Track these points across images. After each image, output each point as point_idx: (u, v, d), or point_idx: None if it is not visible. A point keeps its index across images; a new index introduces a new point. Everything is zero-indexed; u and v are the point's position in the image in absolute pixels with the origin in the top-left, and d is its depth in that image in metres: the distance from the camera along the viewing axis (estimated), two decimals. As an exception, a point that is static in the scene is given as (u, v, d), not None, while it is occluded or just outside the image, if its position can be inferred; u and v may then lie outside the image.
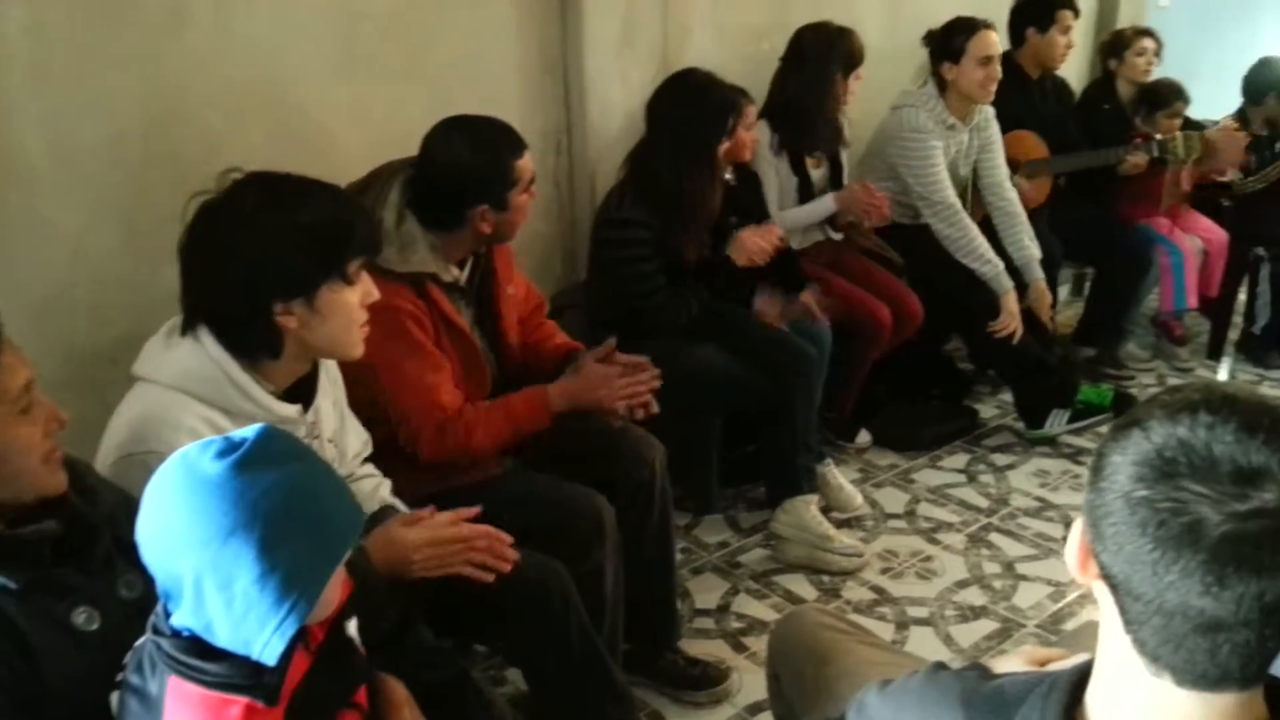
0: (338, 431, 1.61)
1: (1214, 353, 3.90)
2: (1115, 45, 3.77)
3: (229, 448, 0.98)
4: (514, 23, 2.60)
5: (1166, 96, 3.62)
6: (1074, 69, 4.04)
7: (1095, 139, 3.58)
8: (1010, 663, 1.15)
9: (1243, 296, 3.87)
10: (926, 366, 3.46)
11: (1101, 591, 0.80)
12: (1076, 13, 3.48)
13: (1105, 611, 0.80)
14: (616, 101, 2.75)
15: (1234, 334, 3.93)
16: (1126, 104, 3.73)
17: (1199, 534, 0.70)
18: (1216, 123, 3.86)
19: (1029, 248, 3.21)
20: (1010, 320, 3.06)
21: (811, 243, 3.09)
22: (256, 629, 0.96)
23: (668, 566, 2.12)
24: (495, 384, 1.98)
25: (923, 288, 3.11)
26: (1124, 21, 4.09)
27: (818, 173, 3.04)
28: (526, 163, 1.86)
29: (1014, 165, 3.38)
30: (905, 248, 3.21)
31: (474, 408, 1.85)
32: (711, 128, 2.43)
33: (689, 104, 2.45)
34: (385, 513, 1.64)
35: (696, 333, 2.51)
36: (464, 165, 1.80)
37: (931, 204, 3.06)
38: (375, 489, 1.67)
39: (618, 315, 2.50)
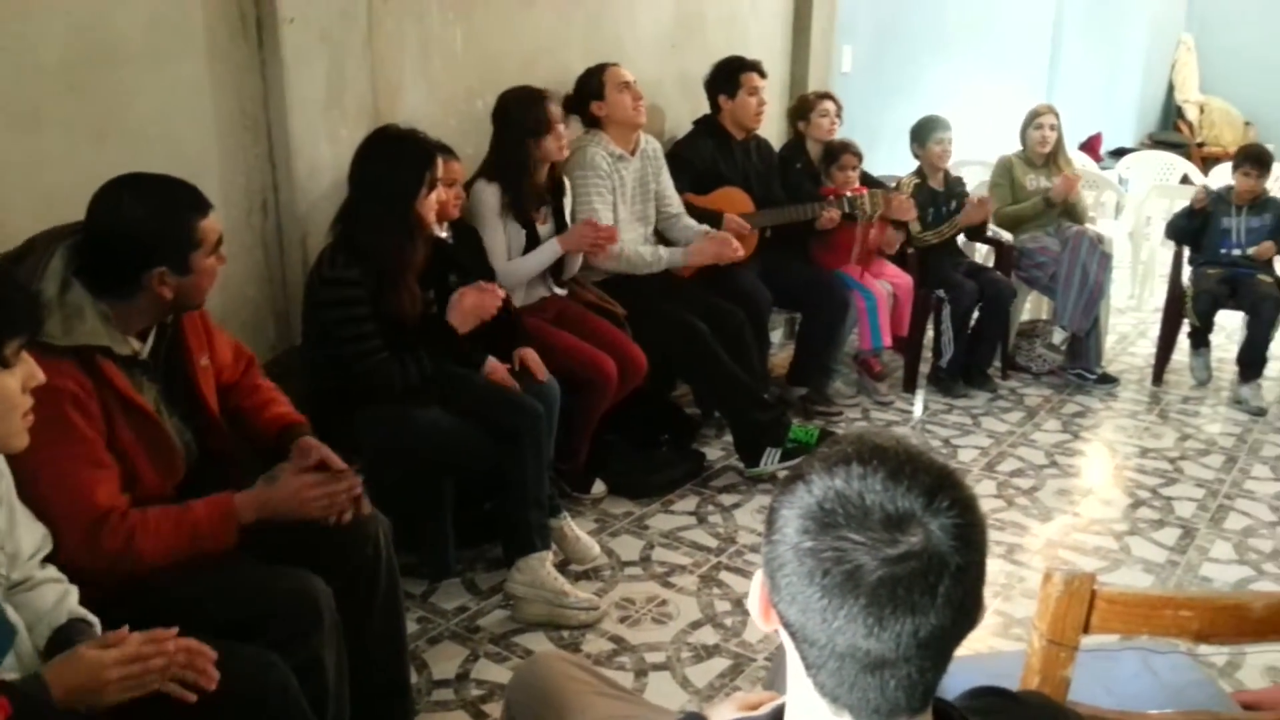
0: (4, 532, 1.43)
1: (909, 386, 4.28)
2: (802, 108, 4.11)
3: None
4: (210, 79, 2.47)
5: (836, 151, 4.00)
6: (778, 131, 4.36)
7: (792, 196, 3.88)
8: (723, 710, 1.19)
9: (931, 334, 4.28)
10: (655, 413, 3.56)
11: (785, 637, 0.83)
12: (762, 74, 3.75)
13: (790, 656, 0.84)
14: (325, 159, 2.66)
15: (925, 368, 4.34)
16: (815, 162, 4.07)
17: (858, 580, 0.76)
18: (898, 178, 4.29)
19: (693, 225, 3.54)
20: (716, 251, 3.35)
21: (535, 299, 3.12)
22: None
23: (398, 644, 2.03)
24: (196, 466, 1.83)
25: (644, 336, 3.21)
26: (813, 86, 4.45)
27: (545, 228, 3.09)
28: (212, 223, 1.74)
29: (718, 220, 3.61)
30: (626, 298, 3.32)
31: (143, 512, 1.64)
32: (407, 182, 2.39)
33: (385, 160, 2.41)
34: (74, 627, 1.47)
35: (421, 395, 2.45)
36: (139, 225, 1.65)
37: None
38: (61, 598, 1.49)
39: (337, 381, 2.41)
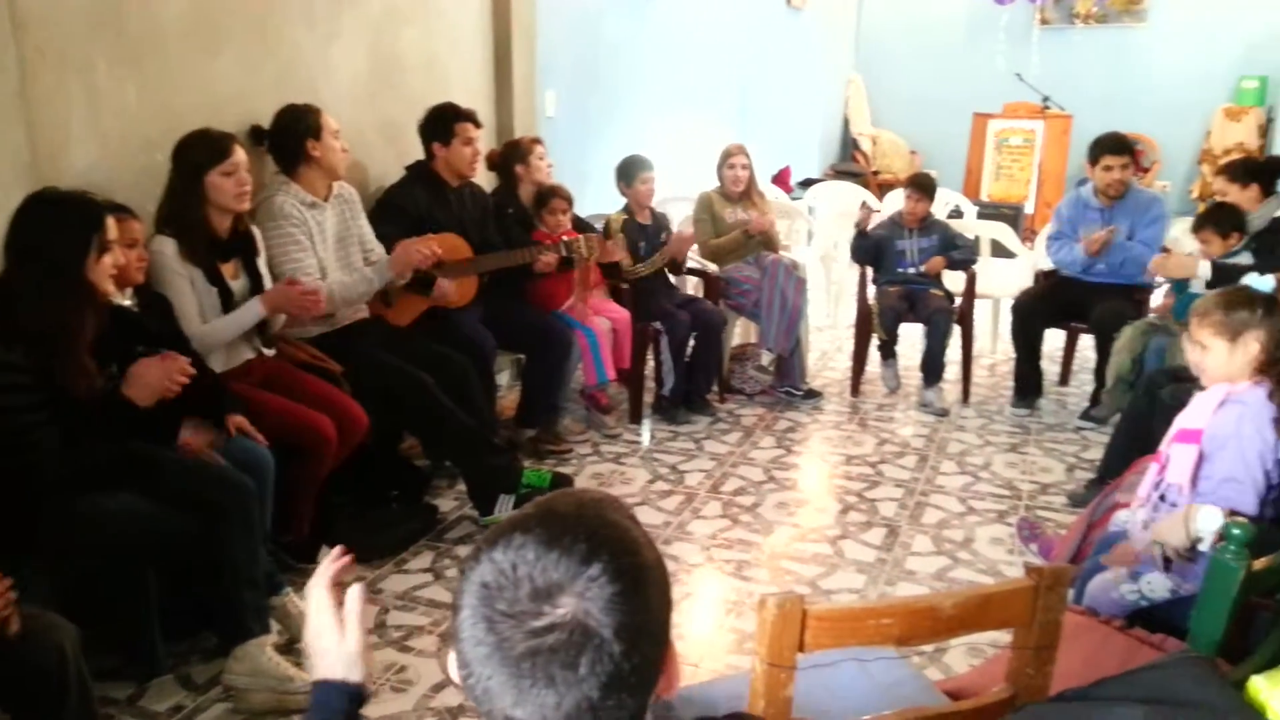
0: None
1: (635, 417, 4.39)
2: (519, 152, 4.14)
3: None
4: None
5: (545, 196, 4.08)
6: (485, 176, 4.36)
7: (507, 240, 3.89)
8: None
9: (651, 365, 4.42)
10: (382, 469, 3.43)
11: None
12: (477, 124, 3.75)
13: None
14: (-25, 229, 2.37)
15: (649, 398, 4.47)
16: (527, 207, 4.12)
17: (505, 653, 0.77)
18: (607, 217, 4.42)
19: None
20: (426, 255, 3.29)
21: (239, 361, 2.92)
22: None
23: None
24: None
25: (365, 391, 3.09)
26: (520, 130, 4.50)
27: (237, 283, 2.90)
28: None
29: (440, 266, 3.55)
30: (341, 353, 3.19)
31: None
32: (73, 247, 2.18)
33: (45, 225, 2.18)
34: None
35: (107, 480, 2.22)
36: None
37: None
38: None
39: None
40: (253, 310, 2.86)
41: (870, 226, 4.69)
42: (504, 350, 3.98)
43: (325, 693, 1.11)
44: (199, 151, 2.76)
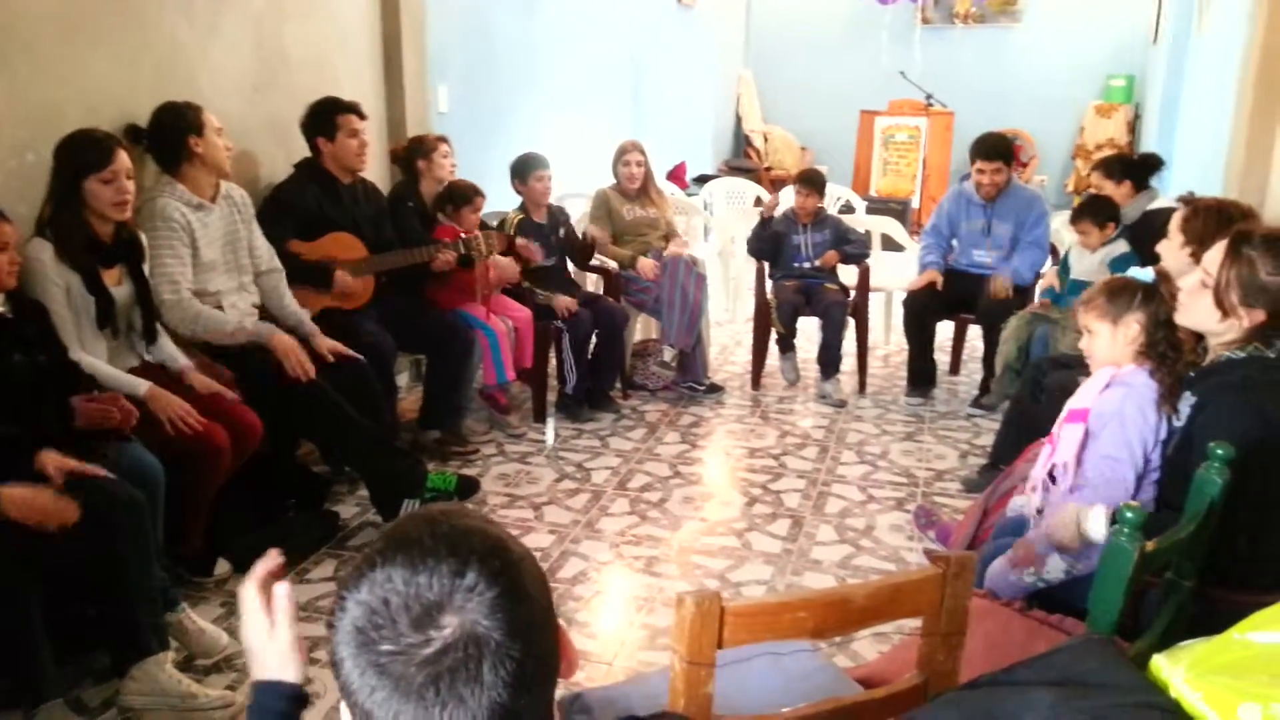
0: None
1: (539, 416, 4.37)
2: (422, 148, 4.08)
3: None
4: None
5: (466, 193, 4.03)
6: (381, 173, 4.27)
7: (404, 237, 3.82)
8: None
9: (554, 363, 4.40)
10: (279, 477, 3.33)
11: None
12: (361, 116, 3.67)
13: None
14: None
15: (553, 397, 4.45)
16: (429, 202, 4.05)
17: (405, 691, 0.75)
18: (504, 215, 4.38)
19: (293, 306, 3.40)
20: (296, 367, 3.10)
21: (127, 369, 2.79)
22: None
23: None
24: None
25: (258, 397, 3.00)
26: (412, 126, 4.42)
27: (120, 289, 2.78)
28: None
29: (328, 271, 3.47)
30: (233, 358, 3.09)
31: None
32: None
33: None
34: None
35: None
36: None
37: (159, 299, 2.97)
38: None
39: None
40: (131, 385, 2.67)
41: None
42: (403, 351, 3.91)
43: (261, 693, 1.07)
44: (79, 154, 2.63)
